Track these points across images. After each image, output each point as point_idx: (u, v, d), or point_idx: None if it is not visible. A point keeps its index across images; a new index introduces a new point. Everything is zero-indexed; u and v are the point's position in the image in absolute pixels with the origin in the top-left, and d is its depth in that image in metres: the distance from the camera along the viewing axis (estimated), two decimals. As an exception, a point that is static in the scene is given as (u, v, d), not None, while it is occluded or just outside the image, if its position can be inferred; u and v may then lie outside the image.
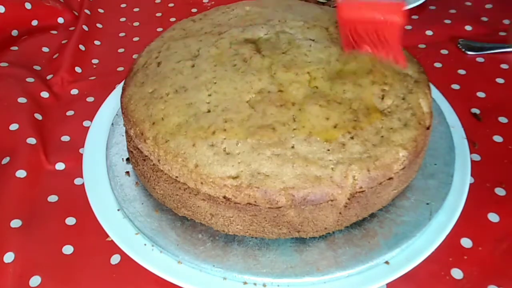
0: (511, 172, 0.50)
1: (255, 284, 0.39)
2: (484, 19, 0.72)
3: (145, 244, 0.42)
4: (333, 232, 0.42)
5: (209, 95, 0.41)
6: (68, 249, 0.44)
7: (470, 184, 0.46)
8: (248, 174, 0.37)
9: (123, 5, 0.80)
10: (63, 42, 0.70)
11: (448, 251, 0.43)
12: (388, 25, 0.41)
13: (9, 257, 0.43)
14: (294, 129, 0.39)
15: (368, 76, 0.43)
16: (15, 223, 0.46)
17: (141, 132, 0.41)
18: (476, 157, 0.51)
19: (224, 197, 0.38)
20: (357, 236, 0.42)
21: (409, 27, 0.72)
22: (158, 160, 0.40)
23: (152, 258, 0.41)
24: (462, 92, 0.60)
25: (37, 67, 0.66)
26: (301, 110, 0.40)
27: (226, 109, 0.40)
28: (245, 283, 0.39)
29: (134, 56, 0.68)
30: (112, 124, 0.52)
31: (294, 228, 0.40)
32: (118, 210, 0.45)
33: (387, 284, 0.40)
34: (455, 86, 0.61)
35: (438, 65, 0.64)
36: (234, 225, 0.41)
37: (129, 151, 0.46)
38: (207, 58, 0.45)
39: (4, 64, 0.65)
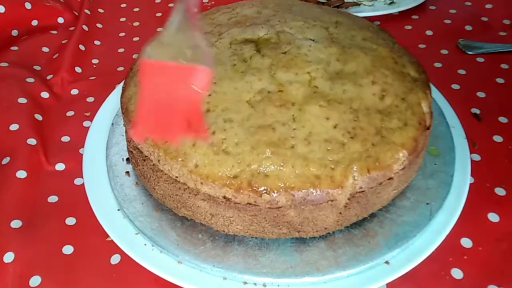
0: (511, 172, 0.50)
1: (255, 284, 0.39)
2: (484, 19, 0.72)
3: (145, 244, 0.42)
4: (333, 232, 0.42)
5: (209, 95, 0.41)
6: (68, 249, 0.44)
7: (470, 184, 0.46)
8: (248, 174, 0.37)
9: (123, 5, 0.80)
10: (63, 42, 0.70)
11: (448, 251, 0.43)
12: (189, 94, 0.34)
13: (9, 257, 0.43)
14: (294, 129, 0.39)
15: (368, 76, 0.43)
16: (15, 223, 0.46)
17: (141, 132, 0.41)
18: (476, 157, 0.51)
19: (224, 197, 0.38)
20: (357, 236, 0.42)
21: (409, 27, 0.72)
22: (158, 160, 0.40)
23: (152, 258, 0.41)
24: (462, 92, 0.60)
25: (37, 67, 0.66)
26: (301, 110, 0.40)
27: (226, 109, 0.40)
28: (245, 283, 0.39)
29: (134, 56, 0.68)
30: (112, 124, 0.52)
31: (294, 228, 0.40)
32: (118, 210, 0.45)
33: (387, 284, 0.40)
34: (455, 86, 0.61)
35: (438, 65, 0.64)
36: (234, 225, 0.41)
37: (129, 151, 0.46)
38: (207, 58, 0.45)
39: (4, 64, 0.65)
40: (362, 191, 0.39)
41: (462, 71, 0.63)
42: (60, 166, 0.52)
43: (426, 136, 0.42)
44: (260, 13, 0.50)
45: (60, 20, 0.74)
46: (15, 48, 0.69)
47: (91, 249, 0.44)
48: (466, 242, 0.44)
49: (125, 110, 0.44)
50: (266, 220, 0.39)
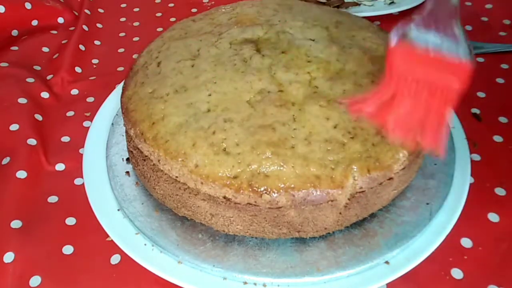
0: (511, 172, 0.50)
1: (255, 284, 0.39)
2: (484, 19, 0.72)
3: (145, 244, 0.42)
4: (333, 232, 0.42)
5: (209, 95, 0.41)
6: (68, 249, 0.44)
7: (470, 184, 0.46)
8: (248, 174, 0.37)
9: (123, 5, 0.80)
10: (63, 42, 0.70)
11: (448, 251, 0.43)
12: (441, 90, 0.32)
13: (9, 257, 0.43)
14: (294, 129, 0.39)
15: (368, 76, 0.43)
16: (15, 223, 0.46)
17: (141, 132, 0.41)
18: (476, 157, 0.51)
19: (224, 197, 0.38)
20: (357, 236, 0.42)
21: (409, 27, 0.72)
22: (158, 160, 0.40)
23: (152, 258, 0.41)
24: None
25: (37, 67, 0.66)
26: (301, 110, 0.40)
27: (226, 109, 0.40)
28: (245, 283, 0.39)
29: (134, 56, 0.68)
30: (112, 124, 0.52)
31: (294, 228, 0.40)
32: (118, 210, 0.45)
33: (387, 284, 0.40)
34: (455, 86, 0.61)
35: (438, 65, 0.64)
36: (234, 225, 0.41)
37: (129, 151, 0.46)
38: (207, 58, 0.45)
39: (4, 64, 0.65)
40: (362, 191, 0.39)
41: (462, 71, 0.63)
42: (60, 166, 0.52)
43: (426, 136, 0.42)
44: (260, 13, 0.50)
45: (60, 20, 0.74)
46: (15, 48, 0.69)
47: (91, 249, 0.44)
48: (466, 242, 0.44)
49: (125, 110, 0.44)
50: (266, 220, 0.39)
